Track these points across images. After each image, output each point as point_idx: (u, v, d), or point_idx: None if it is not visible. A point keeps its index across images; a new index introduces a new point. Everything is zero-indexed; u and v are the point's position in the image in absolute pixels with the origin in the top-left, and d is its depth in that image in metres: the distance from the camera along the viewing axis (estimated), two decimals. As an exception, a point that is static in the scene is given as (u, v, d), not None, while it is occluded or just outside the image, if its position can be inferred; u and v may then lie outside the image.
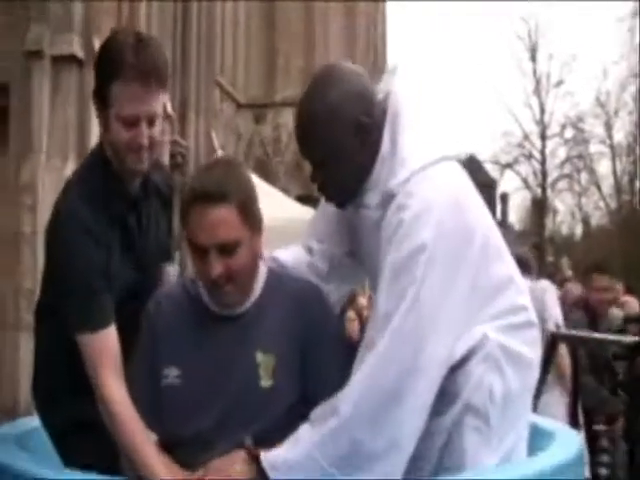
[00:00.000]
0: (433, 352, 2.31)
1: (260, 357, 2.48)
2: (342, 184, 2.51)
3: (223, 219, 2.37)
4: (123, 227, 2.65)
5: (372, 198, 2.47)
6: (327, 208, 2.77)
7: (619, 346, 4.89)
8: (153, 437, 2.45)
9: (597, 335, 5.16)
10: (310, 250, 2.86)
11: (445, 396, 2.36)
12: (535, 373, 2.59)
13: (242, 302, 2.51)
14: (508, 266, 2.62)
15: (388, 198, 2.39)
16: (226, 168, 2.50)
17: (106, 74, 2.52)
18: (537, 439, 2.94)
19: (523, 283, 2.63)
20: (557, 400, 5.90)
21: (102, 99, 2.53)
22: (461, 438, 2.39)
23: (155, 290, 2.72)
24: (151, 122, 2.55)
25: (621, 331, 5.16)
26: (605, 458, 4.82)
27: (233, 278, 2.42)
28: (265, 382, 2.44)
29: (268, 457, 2.25)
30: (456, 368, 2.38)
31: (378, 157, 2.43)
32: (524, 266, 7.35)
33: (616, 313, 5.07)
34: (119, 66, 2.49)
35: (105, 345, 2.51)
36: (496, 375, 2.41)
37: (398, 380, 2.27)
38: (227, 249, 2.38)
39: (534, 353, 2.55)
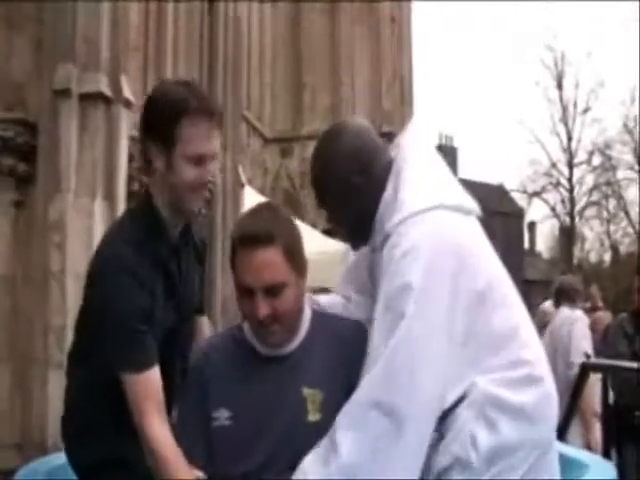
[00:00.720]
0: (422, 389, 2.35)
1: (307, 392, 2.55)
2: (346, 229, 2.75)
3: (270, 261, 2.48)
4: (165, 272, 2.70)
5: (377, 240, 2.61)
6: (359, 258, 2.89)
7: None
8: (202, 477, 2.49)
9: (628, 363, 5.10)
10: (348, 299, 2.94)
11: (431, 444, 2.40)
12: (543, 429, 2.53)
13: (288, 342, 2.61)
14: (515, 316, 2.61)
15: (385, 238, 2.53)
16: (272, 212, 2.63)
17: (170, 115, 2.58)
18: (572, 470, 2.94)
19: (531, 334, 2.63)
20: (576, 431, 5.84)
21: (164, 140, 2.59)
22: None
23: (191, 337, 2.87)
24: (212, 161, 2.65)
25: None
26: None
27: (279, 319, 2.53)
28: (312, 416, 2.52)
29: None
30: (444, 415, 2.42)
31: (381, 203, 2.59)
32: (567, 296, 7.31)
33: None
34: (185, 106, 2.58)
35: (149, 385, 2.56)
36: (481, 424, 2.42)
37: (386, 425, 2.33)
38: (273, 291, 2.49)
39: (540, 408, 2.51)
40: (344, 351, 2.62)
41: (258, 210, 2.65)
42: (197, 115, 2.59)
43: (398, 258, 2.44)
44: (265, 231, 2.50)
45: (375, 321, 2.47)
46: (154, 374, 2.58)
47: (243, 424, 2.55)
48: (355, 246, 2.83)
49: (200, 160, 2.62)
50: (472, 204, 2.70)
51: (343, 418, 2.38)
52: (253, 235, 2.49)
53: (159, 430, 2.52)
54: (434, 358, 2.40)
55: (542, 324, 7.59)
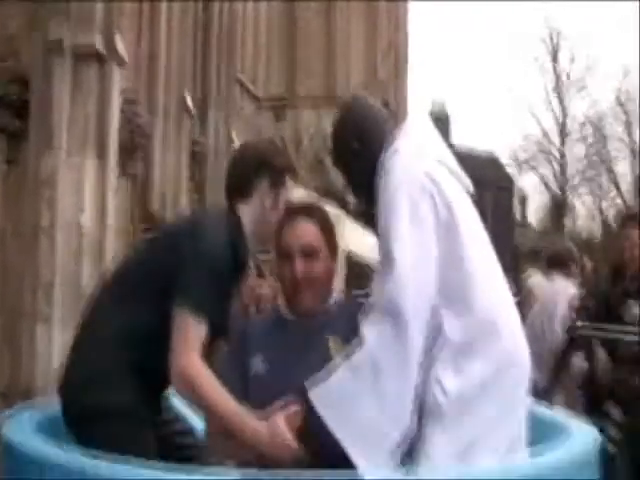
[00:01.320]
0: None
1: (332, 342, 2.92)
2: (352, 186, 3.16)
3: (308, 229, 2.99)
4: (237, 278, 3.01)
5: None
6: None
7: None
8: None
9: (615, 326, 5.05)
10: None
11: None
12: (517, 371, 2.78)
13: (315, 312, 2.98)
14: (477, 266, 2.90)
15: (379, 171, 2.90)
16: (313, 202, 3.22)
17: (285, 166, 3.10)
18: (554, 433, 2.96)
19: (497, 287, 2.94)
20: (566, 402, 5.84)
21: (275, 185, 3.02)
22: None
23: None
24: None
25: None
26: None
27: (312, 283, 2.95)
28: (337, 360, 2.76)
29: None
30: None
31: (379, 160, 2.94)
32: (561, 263, 7.19)
33: None
34: (292, 165, 3.17)
35: (203, 336, 2.76)
36: (448, 370, 2.70)
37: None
38: (309, 253, 2.94)
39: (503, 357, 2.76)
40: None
41: (305, 201, 3.18)
42: (293, 172, 3.16)
43: (388, 185, 2.84)
44: (308, 210, 3.06)
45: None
46: (205, 332, 2.77)
47: (275, 369, 2.90)
48: (363, 203, 3.19)
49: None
50: (462, 175, 3.13)
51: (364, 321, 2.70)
52: (298, 210, 3.02)
53: (201, 367, 2.71)
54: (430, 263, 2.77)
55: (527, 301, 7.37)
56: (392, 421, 2.65)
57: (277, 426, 2.69)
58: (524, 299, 7.32)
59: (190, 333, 2.73)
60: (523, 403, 2.86)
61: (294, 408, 2.69)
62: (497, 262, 3.08)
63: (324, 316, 3.00)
